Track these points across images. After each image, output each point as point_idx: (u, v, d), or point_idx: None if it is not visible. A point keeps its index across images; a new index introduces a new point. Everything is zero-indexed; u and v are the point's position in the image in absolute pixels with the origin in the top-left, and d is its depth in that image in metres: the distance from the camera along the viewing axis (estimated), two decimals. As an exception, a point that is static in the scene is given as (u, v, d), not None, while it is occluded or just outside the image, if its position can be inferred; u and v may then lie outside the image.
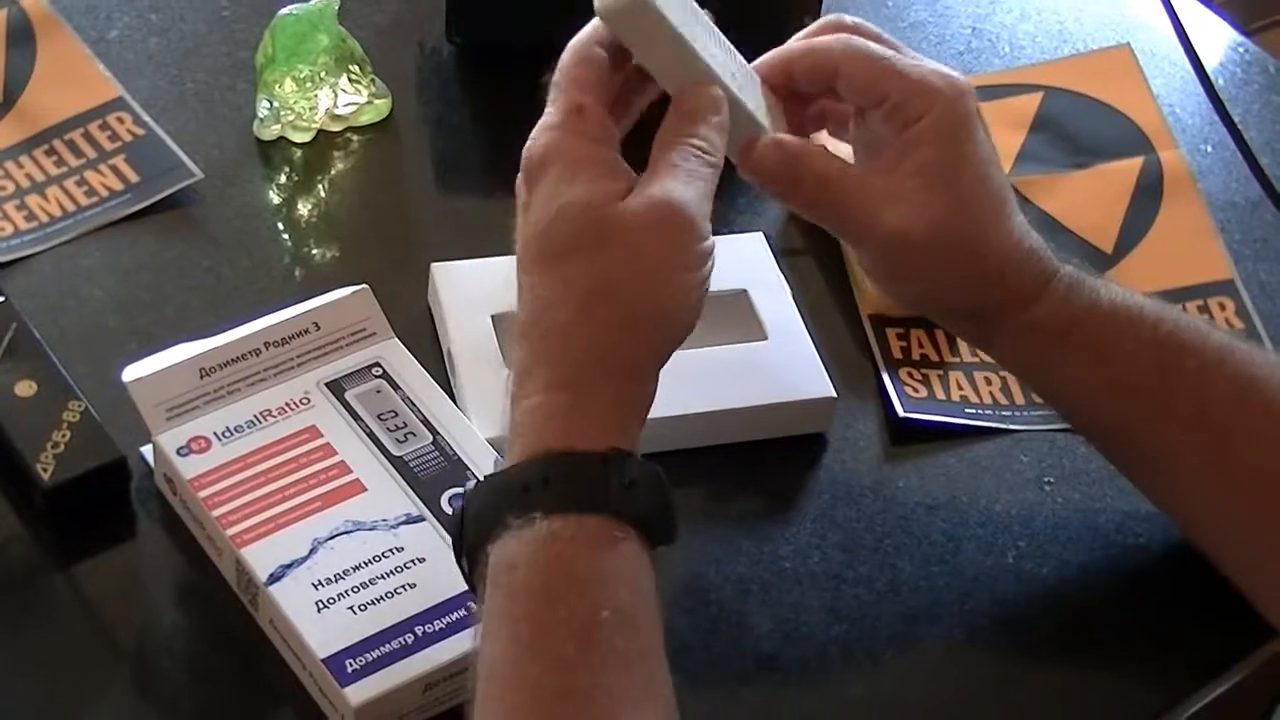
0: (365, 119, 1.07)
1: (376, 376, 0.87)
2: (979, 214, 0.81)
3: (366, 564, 0.80)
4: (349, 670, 0.77)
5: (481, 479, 0.73)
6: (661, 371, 0.89)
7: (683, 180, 0.74)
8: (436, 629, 0.78)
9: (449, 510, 0.82)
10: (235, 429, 0.85)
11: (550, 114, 0.76)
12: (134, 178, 1.02)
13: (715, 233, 0.77)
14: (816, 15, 1.10)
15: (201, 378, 0.85)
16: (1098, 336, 0.82)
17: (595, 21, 0.77)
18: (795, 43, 0.84)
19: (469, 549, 0.72)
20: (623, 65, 0.78)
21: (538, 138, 0.75)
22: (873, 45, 0.82)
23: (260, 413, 0.85)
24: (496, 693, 0.67)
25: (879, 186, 0.81)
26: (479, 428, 0.87)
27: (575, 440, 0.71)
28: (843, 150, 0.86)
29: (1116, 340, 0.82)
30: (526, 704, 0.67)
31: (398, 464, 0.84)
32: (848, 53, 0.82)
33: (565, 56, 0.77)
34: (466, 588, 0.74)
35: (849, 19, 0.84)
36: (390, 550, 0.81)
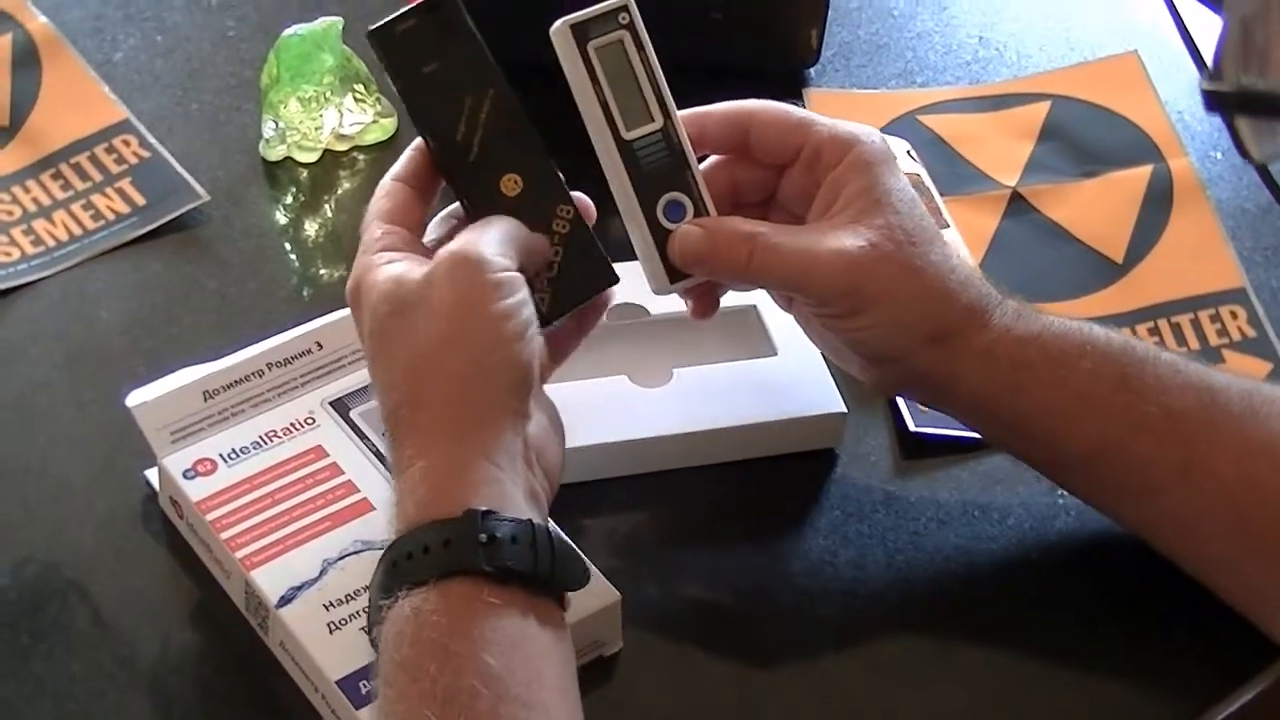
0: (370, 138, 1.06)
1: (382, 396, 0.87)
2: (913, 236, 0.80)
3: (376, 585, 0.80)
4: (363, 692, 0.76)
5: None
6: (670, 387, 0.90)
7: (473, 230, 0.77)
8: (446, 649, 0.78)
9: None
10: (241, 450, 0.84)
11: (361, 247, 0.79)
12: (140, 200, 1.02)
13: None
14: (822, 28, 1.10)
15: (205, 400, 0.85)
16: (1057, 353, 0.81)
17: (403, 157, 0.80)
18: (709, 106, 0.84)
19: (373, 635, 0.72)
20: (428, 196, 0.81)
21: (353, 270, 0.78)
22: (786, 105, 0.83)
23: (265, 434, 0.85)
24: None
25: (812, 229, 0.81)
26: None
27: (431, 509, 0.71)
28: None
29: (1076, 356, 0.81)
30: None
31: (405, 483, 0.84)
32: (761, 108, 0.83)
33: (375, 194, 0.80)
34: None
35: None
36: (399, 570, 0.80)
